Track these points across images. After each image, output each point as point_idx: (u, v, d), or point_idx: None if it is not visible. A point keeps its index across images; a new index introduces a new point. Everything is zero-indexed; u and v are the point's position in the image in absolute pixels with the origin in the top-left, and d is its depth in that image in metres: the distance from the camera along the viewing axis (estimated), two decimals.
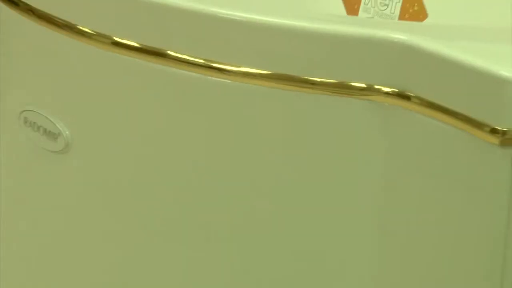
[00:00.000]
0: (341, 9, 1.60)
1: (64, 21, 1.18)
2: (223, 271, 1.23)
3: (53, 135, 1.21)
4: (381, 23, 1.13)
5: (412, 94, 1.08)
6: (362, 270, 1.16)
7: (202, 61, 1.13)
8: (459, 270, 1.10)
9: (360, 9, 1.61)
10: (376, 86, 1.10)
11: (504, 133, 1.02)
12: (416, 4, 1.55)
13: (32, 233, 1.33)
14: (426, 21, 1.53)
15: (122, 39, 1.16)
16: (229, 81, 1.13)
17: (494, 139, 1.03)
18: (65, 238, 1.29)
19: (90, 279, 1.29)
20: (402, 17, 1.55)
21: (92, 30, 1.17)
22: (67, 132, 1.20)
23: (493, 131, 1.03)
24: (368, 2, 1.59)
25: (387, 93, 1.09)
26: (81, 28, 1.17)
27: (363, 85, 1.10)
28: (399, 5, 1.56)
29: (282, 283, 1.21)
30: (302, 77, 1.11)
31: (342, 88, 1.10)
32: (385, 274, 1.16)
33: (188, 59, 1.13)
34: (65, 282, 1.32)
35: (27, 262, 1.37)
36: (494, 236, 1.06)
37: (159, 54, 1.14)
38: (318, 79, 1.10)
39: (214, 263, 1.23)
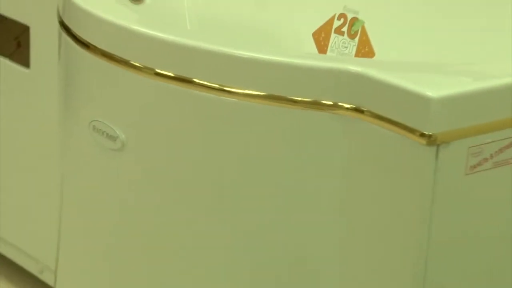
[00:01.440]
0: (314, 49, 1.59)
1: (120, 58, 1.18)
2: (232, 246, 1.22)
3: (113, 138, 1.21)
4: (342, 59, 1.13)
5: (365, 109, 1.09)
6: (329, 240, 1.15)
7: (217, 85, 1.13)
8: (398, 239, 1.10)
9: (328, 49, 1.60)
10: (340, 103, 1.10)
11: (429, 136, 1.03)
12: (366, 47, 1.54)
13: (97, 213, 1.30)
14: (374, 58, 1.52)
15: (162, 70, 1.16)
16: (236, 100, 1.13)
17: (423, 141, 1.04)
18: (122, 217, 1.28)
19: (144, 257, 1.27)
20: (357, 55, 1.54)
21: (140, 64, 1.17)
22: (123, 136, 1.20)
23: (422, 135, 1.04)
24: (333, 45, 1.58)
25: (347, 108, 1.10)
26: (132, 62, 1.17)
27: (330, 103, 1.10)
28: (355, 47, 1.55)
29: (269, 255, 1.19)
30: (287, 97, 1.11)
31: (316, 105, 1.10)
32: (346, 243, 1.14)
33: (207, 84, 1.13)
34: (122, 262, 1.30)
35: (90, 244, 1.34)
36: (422, 206, 1.06)
37: (187, 81, 1.14)
38: (299, 98, 1.11)
39: (228, 235, 1.21)
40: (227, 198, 1.19)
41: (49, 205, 1.47)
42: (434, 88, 1.04)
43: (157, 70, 1.17)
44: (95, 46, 1.22)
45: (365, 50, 1.59)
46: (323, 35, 1.65)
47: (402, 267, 1.10)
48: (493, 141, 1.08)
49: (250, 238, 1.19)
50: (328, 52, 1.63)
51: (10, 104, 1.57)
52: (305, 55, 1.14)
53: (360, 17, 1.61)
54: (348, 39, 1.62)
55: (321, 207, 1.15)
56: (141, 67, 1.18)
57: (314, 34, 1.67)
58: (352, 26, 1.62)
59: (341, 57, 1.19)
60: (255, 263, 1.20)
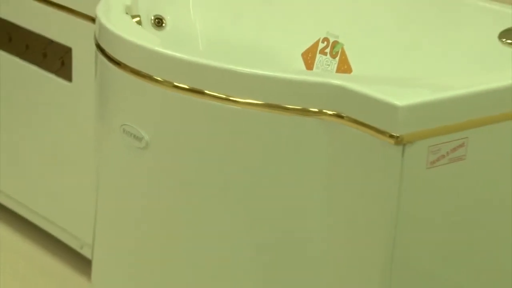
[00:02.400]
0: (303, 66, 1.59)
1: (145, 73, 1.18)
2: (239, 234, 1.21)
3: (139, 138, 1.20)
4: (326, 75, 1.13)
5: (345, 115, 1.08)
6: (315, 220, 1.14)
7: (223, 96, 1.12)
8: (372, 220, 1.09)
9: (314, 67, 1.59)
10: (324, 110, 1.09)
11: (397, 137, 1.03)
12: (345, 65, 1.54)
13: (125, 199, 1.30)
14: (352, 73, 1.51)
15: (179, 83, 1.15)
16: (239, 107, 1.12)
17: (391, 141, 1.03)
18: (145, 202, 1.26)
19: (169, 245, 1.26)
20: (337, 71, 1.53)
21: (161, 78, 1.16)
22: (147, 137, 1.19)
23: (391, 136, 1.03)
24: (318, 63, 1.58)
25: (330, 114, 1.09)
26: (155, 77, 1.17)
27: (316, 110, 1.09)
28: (336, 65, 1.54)
29: (267, 234, 1.18)
30: (281, 105, 1.10)
31: (304, 112, 1.10)
32: (330, 222, 1.13)
33: (215, 95, 1.13)
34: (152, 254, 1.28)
35: (123, 231, 1.33)
36: (391, 194, 1.06)
37: (199, 92, 1.14)
38: (291, 106, 1.10)
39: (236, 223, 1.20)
40: (232, 187, 1.18)
41: (87, 193, 1.47)
42: (401, 98, 1.04)
43: (175, 83, 1.16)
44: (125, 64, 1.22)
45: (344, 67, 1.58)
46: (310, 55, 1.65)
47: (375, 243, 1.09)
48: (448, 142, 1.08)
49: (251, 223, 1.18)
50: (314, 69, 1.63)
51: (56, 111, 1.57)
52: (296, 71, 1.13)
53: (340, 40, 1.61)
54: (330, 58, 1.61)
55: (310, 195, 1.14)
56: (162, 81, 1.17)
57: (303, 54, 1.67)
58: (334, 48, 1.62)
59: (324, 73, 1.19)
60: (256, 242, 1.19)
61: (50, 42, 1.53)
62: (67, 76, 1.52)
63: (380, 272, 1.10)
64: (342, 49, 1.61)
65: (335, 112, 1.09)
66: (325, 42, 1.64)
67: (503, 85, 1.12)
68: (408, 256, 1.10)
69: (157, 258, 1.27)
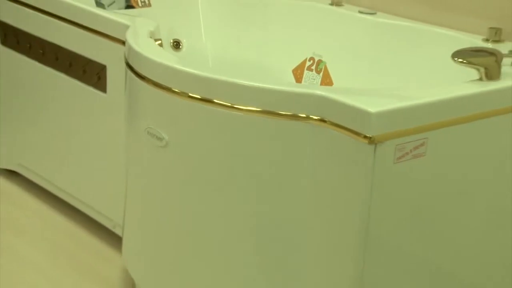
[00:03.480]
0: (293, 80, 1.59)
1: (165, 86, 1.17)
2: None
3: (160, 139, 1.19)
4: (312, 87, 1.12)
5: (327, 119, 1.07)
6: (303, 208, 1.13)
7: (229, 104, 1.11)
8: (351, 206, 1.08)
9: (302, 80, 1.59)
10: (310, 116, 1.08)
11: (370, 138, 1.02)
12: (328, 79, 1.54)
13: (149, 188, 1.28)
14: (333, 86, 1.51)
15: (192, 94, 1.14)
16: (242, 113, 1.11)
17: (365, 141, 1.03)
18: (166, 190, 1.25)
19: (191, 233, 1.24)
20: (321, 84, 1.54)
21: (179, 90, 1.15)
22: (167, 137, 1.18)
23: (365, 137, 1.02)
24: (306, 78, 1.58)
25: (316, 119, 1.08)
26: (173, 89, 1.16)
27: (304, 115, 1.08)
28: (320, 79, 1.55)
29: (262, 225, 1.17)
30: (276, 111, 1.09)
31: (294, 117, 1.09)
32: (315, 209, 1.12)
33: (222, 103, 1.12)
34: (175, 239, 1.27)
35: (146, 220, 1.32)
36: (366, 184, 1.05)
37: (209, 101, 1.13)
38: (283, 112, 1.09)
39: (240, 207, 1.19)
40: (235, 176, 1.16)
41: (119, 183, 1.47)
42: (373, 106, 1.03)
43: (189, 94, 1.15)
44: (148, 79, 1.21)
45: (327, 81, 1.58)
46: (299, 71, 1.64)
47: (352, 221, 1.08)
48: (412, 141, 1.07)
49: (251, 204, 1.17)
50: (302, 82, 1.63)
51: (94, 116, 1.56)
52: (287, 84, 1.12)
53: (323, 59, 1.61)
54: (316, 74, 1.61)
55: (299, 182, 1.12)
56: (178, 92, 1.16)
57: (293, 70, 1.67)
58: (318, 65, 1.61)
59: (311, 85, 1.18)
60: (256, 226, 1.18)
61: (89, 61, 1.52)
62: (103, 88, 1.51)
63: (356, 243, 1.09)
64: (325, 66, 1.61)
65: (320, 117, 1.08)
66: (311, 61, 1.63)
67: (455, 96, 1.11)
68: (379, 232, 1.09)
69: (174, 233, 1.25)
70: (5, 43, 1.72)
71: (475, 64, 1.17)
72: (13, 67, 1.72)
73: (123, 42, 1.39)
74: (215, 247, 1.21)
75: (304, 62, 1.65)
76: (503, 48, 1.35)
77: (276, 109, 1.10)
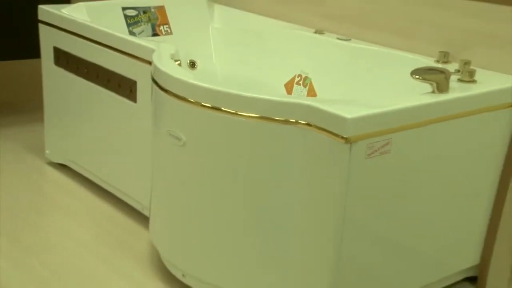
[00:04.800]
0: (285, 93, 1.58)
1: (183, 97, 1.15)
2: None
3: (179, 139, 1.18)
4: (300, 98, 1.10)
5: (312, 124, 1.05)
6: (294, 189, 1.11)
7: (234, 111, 1.10)
8: (332, 194, 1.06)
9: (293, 93, 1.59)
10: (299, 121, 1.07)
11: (346, 138, 1.01)
12: (312, 91, 1.53)
13: (170, 178, 1.26)
14: (317, 97, 1.47)
15: (205, 103, 1.12)
16: (244, 119, 1.10)
17: (343, 141, 1.01)
18: (184, 181, 1.23)
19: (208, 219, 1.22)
20: (307, 95, 1.53)
21: (193, 100, 1.14)
22: (184, 138, 1.17)
23: (342, 138, 1.01)
24: (295, 91, 1.58)
25: (303, 124, 1.06)
26: (189, 99, 1.14)
27: (294, 120, 1.07)
28: (306, 92, 1.55)
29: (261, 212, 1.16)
30: (271, 117, 1.08)
31: (286, 122, 1.07)
32: (305, 199, 1.10)
33: (228, 111, 1.10)
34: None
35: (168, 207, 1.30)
36: (343, 176, 1.03)
37: (218, 109, 1.11)
38: (277, 118, 1.08)
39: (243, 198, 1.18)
40: (239, 169, 1.15)
41: (146, 174, 1.45)
42: (349, 113, 1.02)
43: (202, 103, 1.13)
44: (170, 91, 1.19)
45: (312, 93, 1.58)
46: (289, 85, 1.63)
47: (332, 206, 1.07)
48: (379, 141, 1.06)
49: (252, 195, 1.15)
50: (292, 94, 1.62)
51: (127, 122, 1.55)
52: (280, 95, 1.10)
53: (309, 76, 1.60)
54: (303, 87, 1.60)
55: (291, 174, 1.11)
56: (193, 102, 1.15)
57: (285, 85, 1.66)
58: (305, 81, 1.60)
59: (299, 97, 1.15)
60: (255, 208, 1.16)
61: (123, 77, 1.50)
62: (134, 99, 1.49)
63: (335, 223, 1.07)
64: (310, 81, 1.60)
65: (306, 122, 1.07)
66: (299, 77, 1.62)
67: (414, 105, 1.10)
68: (354, 214, 1.08)
69: (190, 214, 1.24)
70: (57, 64, 1.71)
71: (429, 80, 1.17)
72: (63, 83, 1.71)
73: (150, 63, 1.39)
74: (222, 224, 1.19)
75: (293, 78, 1.64)
76: (450, 67, 1.35)
77: (271, 116, 1.08)
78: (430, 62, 1.39)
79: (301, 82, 1.61)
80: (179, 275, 1.29)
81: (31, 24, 1.91)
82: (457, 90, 1.18)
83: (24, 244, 1.42)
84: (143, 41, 1.43)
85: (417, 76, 1.15)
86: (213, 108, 1.13)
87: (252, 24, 1.77)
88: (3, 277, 1.28)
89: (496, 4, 1.28)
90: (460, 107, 1.16)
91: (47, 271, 1.32)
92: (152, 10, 1.77)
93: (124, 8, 1.73)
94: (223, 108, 1.12)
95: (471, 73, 1.25)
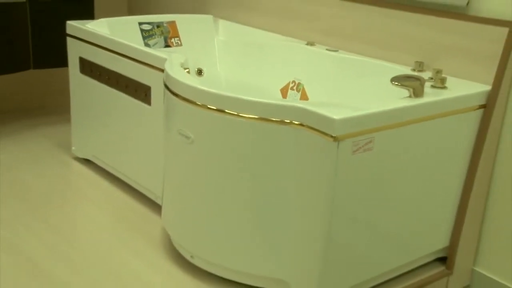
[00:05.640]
0: (280, 97, 1.56)
1: (191, 100, 1.12)
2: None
3: (188, 137, 1.15)
4: (294, 101, 1.09)
5: (305, 124, 1.04)
6: (288, 179, 1.09)
7: (235, 113, 1.08)
8: (322, 186, 1.04)
9: (287, 97, 1.56)
10: (293, 121, 1.05)
11: (335, 137, 0.99)
12: (304, 96, 1.51)
13: (180, 171, 1.23)
14: (308, 100, 1.45)
15: (210, 105, 1.10)
16: (244, 120, 1.08)
17: (331, 139, 1.00)
18: (193, 174, 1.21)
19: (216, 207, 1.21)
20: (300, 99, 1.51)
21: (200, 103, 1.11)
22: (192, 136, 1.15)
23: (331, 136, 0.99)
24: (290, 95, 1.56)
25: (297, 124, 1.05)
26: (197, 102, 1.11)
27: (288, 121, 1.05)
28: (299, 96, 1.53)
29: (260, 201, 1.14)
30: (269, 118, 1.06)
31: (282, 122, 1.06)
32: (296, 190, 1.09)
33: (231, 112, 1.08)
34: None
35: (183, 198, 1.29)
36: (332, 170, 1.02)
37: (222, 111, 1.09)
38: (274, 119, 1.06)
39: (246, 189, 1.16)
40: (241, 163, 1.13)
41: (160, 167, 1.43)
42: (337, 114, 1.01)
43: (208, 106, 1.12)
44: (179, 95, 1.17)
45: (304, 97, 1.57)
46: (285, 90, 1.62)
47: (323, 194, 1.06)
48: (363, 139, 1.05)
49: (253, 184, 1.14)
50: (287, 98, 1.60)
51: (142, 122, 1.53)
52: (277, 99, 1.08)
53: (302, 82, 1.58)
54: (296, 92, 1.58)
55: (286, 167, 1.09)
56: (200, 105, 1.13)
57: (281, 90, 1.64)
58: (298, 86, 1.58)
59: (293, 100, 1.14)
60: (255, 194, 1.14)
61: (139, 83, 1.48)
62: (148, 102, 1.47)
63: (325, 209, 1.06)
64: (303, 87, 1.58)
65: (299, 123, 1.05)
66: (293, 83, 1.60)
67: (393, 108, 1.09)
68: (341, 201, 1.07)
69: (197, 202, 1.22)
70: (82, 72, 1.69)
71: (406, 86, 1.15)
72: (88, 88, 1.70)
73: (162, 70, 1.37)
74: (226, 211, 1.17)
75: (288, 84, 1.62)
76: (425, 75, 1.34)
77: (269, 117, 1.07)
78: (407, 70, 1.38)
79: (294, 88, 1.59)
80: (187, 256, 1.27)
81: (60, 37, 1.90)
82: (431, 95, 1.17)
83: (54, 226, 1.41)
84: (156, 52, 1.41)
85: (396, 83, 1.14)
86: (217, 110, 1.11)
87: (252, 37, 1.76)
88: (36, 254, 1.28)
89: (464, 21, 1.27)
90: (433, 110, 1.15)
91: (72, 249, 1.31)
92: (165, 24, 1.75)
93: (140, 23, 1.73)
94: (226, 110, 1.10)
95: (443, 80, 1.24)
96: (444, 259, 1.34)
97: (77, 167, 1.76)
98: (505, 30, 1.19)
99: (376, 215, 1.14)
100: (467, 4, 1.26)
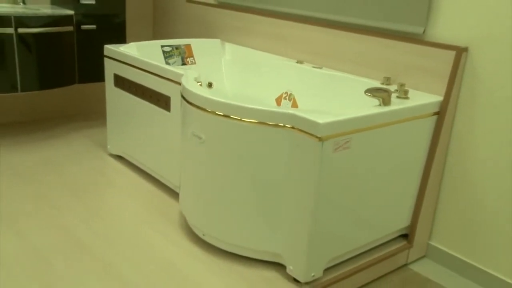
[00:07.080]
0: (275, 104, 1.52)
1: (201, 107, 1.09)
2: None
3: (200, 138, 1.13)
4: (287, 109, 1.06)
5: (296, 127, 1.00)
6: (282, 173, 1.06)
7: (239, 118, 1.05)
8: (309, 179, 1.01)
9: (281, 105, 1.53)
10: (286, 125, 1.02)
11: (319, 137, 0.96)
12: (295, 104, 1.48)
13: (196, 166, 1.20)
14: (298, 108, 1.42)
15: (218, 112, 1.07)
16: (246, 124, 1.05)
17: (317, 140, 0.97)
18: (205, 169, 1.17)
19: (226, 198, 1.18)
20: (292, 107, 1.48)
21: (210, 110, 1.08)
22: (203, 137, 1.12)
23: (316, 137, 0.97)
24: (283, 104, 1.52)
25: (289, 127, 1.02)
26: (207, 109, 1.08)
27: (282, 125, 1.02)
28: (291, 104, 1.50)
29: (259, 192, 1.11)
30: (265, 122, 1.03)
31: (277, 126, 1.03)
32: (290, 184, 1.06)
33: (235, 118, 1.05)
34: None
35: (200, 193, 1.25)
36: (317, 165, 0.98)
37: (228, 116, 1.06)
38: (270, 123, 1.03)
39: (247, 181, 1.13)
40: (243, 160, 1.09)
41: (177, 161, 1.40)
42: (321, 119, 0.98)
43: (217, 112, 1.09)
44: (193, 103, 1.14)
45: (295, 105, 1.53)
46: (279, 99, 1.58)
47: (310, 187, 1.03)
48: (342, 140, 1.02)
49: (253, 177, 1.10)
50: (281, 106, 1.56)
51: (163, 126, 1.49)
52: (272, 107, 1.06)
53: (293, 93, 1.55)
54: (288, 101, 1.54)
55: (280, 163, 1.06)
56: (210, 111, 1.10)
57: (276, 99, 1.60)
58: (290, 96, 1.55)
59: (286, 108, 1.11)
60: (255, 186, 1.11)
61: (161, 94, 1.45)
62: (168, 109, 1.44)
63: (311, 199, 1.03)
64: (294, 97, 1.55)
65: (291, 126, 1.03)
66: (286, 94, 1.57)
67: (366, 114, 1.06)
68: (325, 192, 1.04)
69: (208, 191, 1.18)
70: (116, 85, 1.67)
71: (377, 96, 1.13)
72: (120, 98, 1.67)
73: (179, 84, 1.34)
74: (232, 197, 1.14)
75: (281, 94, 1.58)
76: (391, 88, 1.32)
77: (266, 121, 1.04)
78: (377, 83, 1.35)
79: (287, 97, 1.55)
80: (200, 234, 1.24)
81: (99, 58, 1.91)
82: (396, 104, 1.15)
83: (92, 208, 1.40)
84: (175, 69, 1.38)
85: (368, 94, 1.12)
86: (224, 115, 1.08)
87: (252, 57, 1.73)
88: (78, 232, 1.27)
89: (421, 45, 1.26)
90: (399, 116, 1.13)
91: (107, 229, 1.29)
92: (182, 47, 1.73)
93: (162, 46, 1.71)
94: (231, 116, 1.07)
95: (406, 92, 1.22)
96: (406, 236, 1.33)
97: (111, 162, 1.74)
98: (453, 53, 1.19)
99: (352, 201, 1.11)
100: (423, 32, 1.25)
